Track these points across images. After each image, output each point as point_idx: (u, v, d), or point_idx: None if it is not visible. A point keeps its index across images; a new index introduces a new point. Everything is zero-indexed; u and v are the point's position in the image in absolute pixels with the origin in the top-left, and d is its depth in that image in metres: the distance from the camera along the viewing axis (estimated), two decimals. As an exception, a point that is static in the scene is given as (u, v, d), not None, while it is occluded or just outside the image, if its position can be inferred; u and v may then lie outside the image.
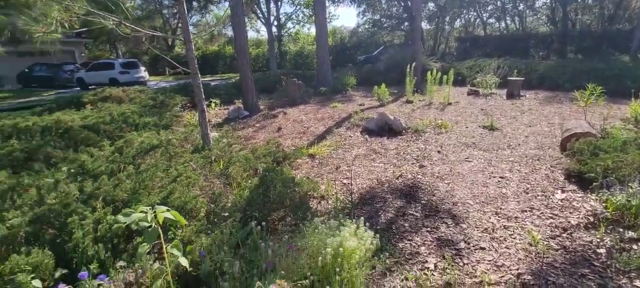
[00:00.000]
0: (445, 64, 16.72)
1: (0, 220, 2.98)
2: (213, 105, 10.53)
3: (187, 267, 1.73)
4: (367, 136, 6.86)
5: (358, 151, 5.99)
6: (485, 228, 3.36)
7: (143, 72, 20.76)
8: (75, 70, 22.01)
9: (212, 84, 14.71)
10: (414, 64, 10.74)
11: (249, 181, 3.70)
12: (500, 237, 3.21)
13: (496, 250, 3.02)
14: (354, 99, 11.62)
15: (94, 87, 18.03)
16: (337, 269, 2.42)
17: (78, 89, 19.84)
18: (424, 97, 10.56)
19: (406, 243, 3.20)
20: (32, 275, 2.15)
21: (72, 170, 3.82)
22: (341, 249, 2.45)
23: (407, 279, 2.73)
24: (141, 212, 1.59)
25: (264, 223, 2.78)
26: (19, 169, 4.21)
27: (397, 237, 3.32)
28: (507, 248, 3.04)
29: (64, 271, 2.45)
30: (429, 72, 10.18)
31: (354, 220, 2.82)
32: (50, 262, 2.38)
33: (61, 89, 21.07)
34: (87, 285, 2.01)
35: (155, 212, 1.60)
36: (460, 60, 18.04)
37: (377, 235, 2.74)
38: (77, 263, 2.50)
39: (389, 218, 3.67)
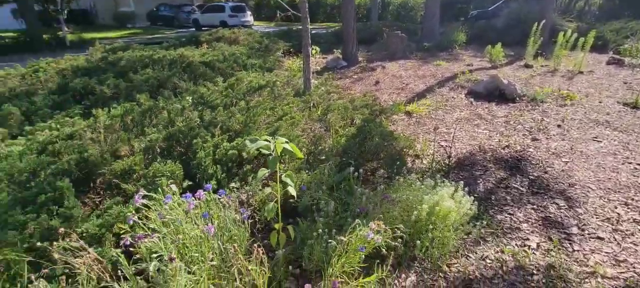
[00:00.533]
0: (582, 24, 14.17)
1: (143, 133, 3.67)
2: (313, 52, 10.81)
3: (295, 196, 1.94)
4: (472, 99, 6.39)
5: (460, 114, 5.66)
6: (608, 218, 2.98)
7: (249, 17, 22.13)
8: (192, 11, 24.47)
9: (313, 31, 14.99)
10: (542, 23, 9.35)
11: (346, 129, 3.84)
12: (627, 230, 2.82)
13: (619, 244, 2.68)
14: (461, 57, 10.75)
15: (206, 28, 19.91)
16: (430, 227, 2.45)
17: (193, 29, 22.14)
18: (548, 63, 9.24)
19: (506, 217, 3.04)
20: (170, 181, 2.64)
21: (194, 100, 4.42)
22: (437, 208, 2.45)
23: (503, 252, 2.63)
24: (265, 140, 1.81)
25: (361, 170, 2.90)
26: (154, 94, 5.03)
27: (496, 208, 3.17)
28: (634, 244, 2.67)
29: (190, 182, 2.95)
30: (561, 34, 8.78)
31: (451, 183, 2.76)
32: (181, 172, 2.89)
33: (180, 28, 23.79)
34: (209, 197, 2.39)
35: (275, 142, 1.80)
36: (603, 22, 15.06)
37: (475, 203, 2.65)
38: (200, 179, 2.98)
39: (489, 188, 3.49)
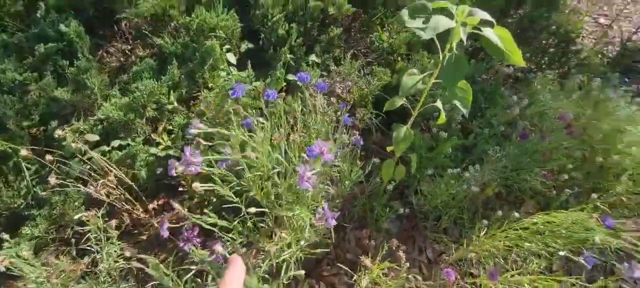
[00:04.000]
0: None
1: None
2: None
3: (467, 115, 1.04)
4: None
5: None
6: None
7: None
8: None
9: None
10: None
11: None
12: None
13: None
14: None
15: None
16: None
17: None
18: None
19: None
20: (227, 47, 1.80)
21: None
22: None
23: None
24: (442, 9, 0.85)
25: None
26: None
27: None
28: None
29: (250, 45, 2.10)
30: None
31: None
32: (238, 29, 2.01)
33: None
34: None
35: (462, 19, 0.85)
36: None
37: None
38: (264, 41, 2.10)
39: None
